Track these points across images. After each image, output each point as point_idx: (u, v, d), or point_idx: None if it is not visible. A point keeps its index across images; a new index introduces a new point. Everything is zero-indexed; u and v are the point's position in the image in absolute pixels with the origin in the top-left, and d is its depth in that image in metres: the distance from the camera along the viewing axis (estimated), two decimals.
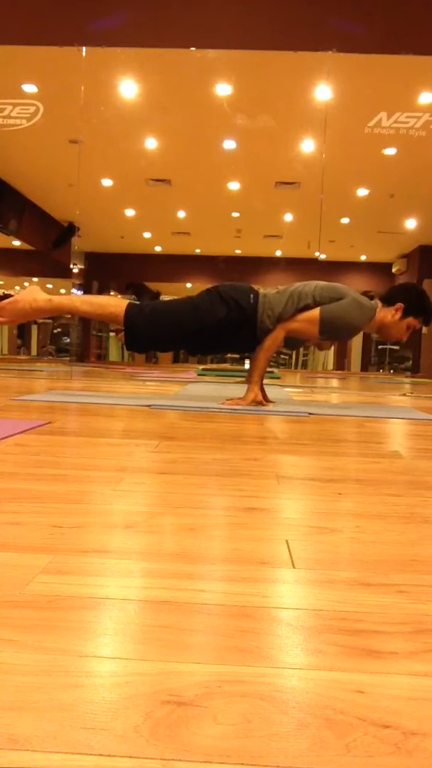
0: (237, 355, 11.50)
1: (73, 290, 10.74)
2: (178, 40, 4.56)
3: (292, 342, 2.73)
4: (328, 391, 4.80)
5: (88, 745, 0.34)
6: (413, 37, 4.46)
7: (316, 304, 2.53)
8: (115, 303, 2.60)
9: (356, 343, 13.16)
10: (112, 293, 12.36)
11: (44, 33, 4.60)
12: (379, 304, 2.64)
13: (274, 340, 2.56)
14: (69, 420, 1.98)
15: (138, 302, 2.63)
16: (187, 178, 7.77)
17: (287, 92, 5.26)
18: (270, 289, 2.66)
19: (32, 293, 2.55)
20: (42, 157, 7.06)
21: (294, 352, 14.22)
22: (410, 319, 2.63)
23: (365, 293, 2.67)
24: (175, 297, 2.78)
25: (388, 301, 2.65)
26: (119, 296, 10.27)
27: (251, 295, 2.57)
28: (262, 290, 2.63)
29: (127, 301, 2.61)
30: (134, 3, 4.52)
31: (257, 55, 4.65)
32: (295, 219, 9.14)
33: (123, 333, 2.58)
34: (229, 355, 12.70)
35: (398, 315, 2.62)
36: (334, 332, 2.62)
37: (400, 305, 2.61)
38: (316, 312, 2.52)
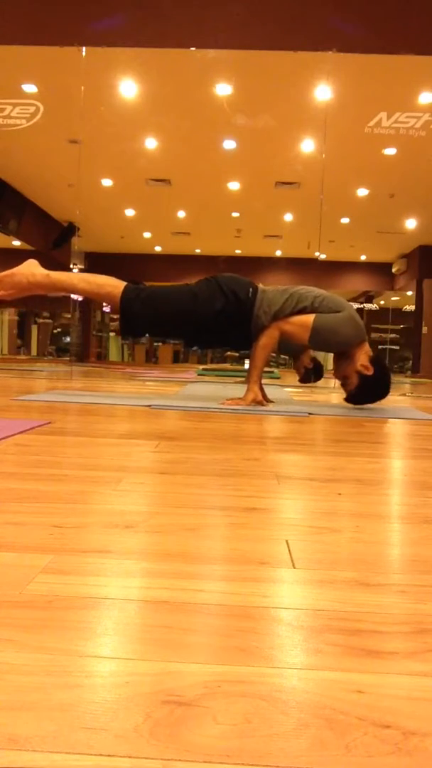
0: (236, 354, 11.47)
1: None
2: (178, 40, 4.56)
3: (289, 348, 2.71)
4: (328, 391, 4.80)
5: (88, 745, 0.34)
6: (413, 37, 4.46)
7: (313, 310, 2.52)
8: (112, 283, 2.55)
9: None
10: None
11: (44, 33, 4.60)
12: (367, 346, 2.57)
13: (270, 338, 2.55)
14: (69, 420, 1.98)
15: (136, 285, 2.57)
16: (187, 178, 7.77)
17: (287, 92, 5.26)
18: (270, 287, 2.65)
19: (30, 267, 2.51)
20: (42, 157, 7.06)
21: None
22: (359, 382, 2.56)
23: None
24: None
25: (373, 358, 2.58)
26: None
27: (250, 289, 2.57)
28: (261, 286, 2.63)
29: (125, 283, 2.55)
30: (134, 3, 4.52)
31: (257, 55, 4.65)
32: (295, 219, 9.14)
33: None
34: (228, 354, 12.70)
35: (363, 370, 2.53)
36: (323, 343, 2.60)
37: (372, 369, 2.53)
38: (310, 318, 2.50)
